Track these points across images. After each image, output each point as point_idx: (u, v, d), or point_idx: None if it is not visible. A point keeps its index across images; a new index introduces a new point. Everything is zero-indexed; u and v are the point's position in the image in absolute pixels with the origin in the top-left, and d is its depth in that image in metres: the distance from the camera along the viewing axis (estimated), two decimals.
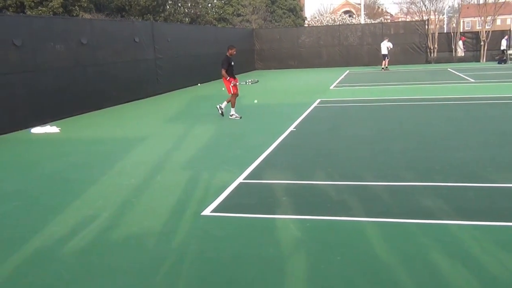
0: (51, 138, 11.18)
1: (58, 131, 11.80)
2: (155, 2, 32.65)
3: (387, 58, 28.11)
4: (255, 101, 12.37)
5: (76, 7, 28.83)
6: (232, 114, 12.55)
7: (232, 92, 12.40)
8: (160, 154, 8.99)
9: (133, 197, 6.47)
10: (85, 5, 29.30)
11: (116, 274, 4.32)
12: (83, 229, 5.35)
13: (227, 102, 12.64)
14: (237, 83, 12.51)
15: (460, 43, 32.78)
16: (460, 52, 33.13)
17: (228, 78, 12.28)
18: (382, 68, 28.35)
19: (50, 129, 11.87)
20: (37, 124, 12.26)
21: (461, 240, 4.68)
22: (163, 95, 19.45)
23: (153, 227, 5.34)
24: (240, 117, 12.43)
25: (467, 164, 7.37)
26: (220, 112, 12.68)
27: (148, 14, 32.35)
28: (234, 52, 12.38)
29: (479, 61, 31.42)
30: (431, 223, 5.11)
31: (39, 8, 26.79)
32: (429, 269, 4.12)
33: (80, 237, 5.15)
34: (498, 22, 47.54)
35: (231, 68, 12.33)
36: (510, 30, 34.70)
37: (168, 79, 20.29)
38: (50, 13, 26.70)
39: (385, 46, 27.98)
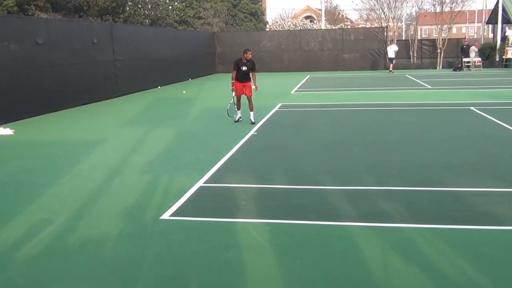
0: (4, 140, 10.80)
1: (12, 133, 11.42)
2: (115, 3, 32.14)
3: (394, 61, 29.06)
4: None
5: (32, 6, 28.08)
6: (239, 117, 12.40)
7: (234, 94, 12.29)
8: (118, 157, 8.83)
9: (90, 201, 6.33)
10: (41, 4, 28.56)
11: (72, 280, 4.21)
12: (38, 234, 5.19)
13: (251, 111, 12.16)
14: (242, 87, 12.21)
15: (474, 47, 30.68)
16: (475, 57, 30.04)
17: (233, 81, 12.10)
18: (390, 71, 29.05)
19: (3, 131, 11.48)
20: None
21: (415, 242, 4.79)
22: (122, 97, 19.12)
23: (111, 232, 5.23)
24: (236, 120, 12.27)
25: (422, 169, 7.55)
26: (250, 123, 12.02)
27: (107, 15, 31.81)
28: (250, 56, 11.88)
29: (435, 68, 32.29)
30: (387, 226, 5.22)
31: None
32: (385, 271, 4.21)
33: (34, 242, 4.99)
34: (454, 30, 49.08)
35: (241, 72, 12.04)
36: (465, 38, 35.87)
37: (128, 81, 19.97)
38: (4, 11, 25.92)
39: (392, 50, 28.96)
